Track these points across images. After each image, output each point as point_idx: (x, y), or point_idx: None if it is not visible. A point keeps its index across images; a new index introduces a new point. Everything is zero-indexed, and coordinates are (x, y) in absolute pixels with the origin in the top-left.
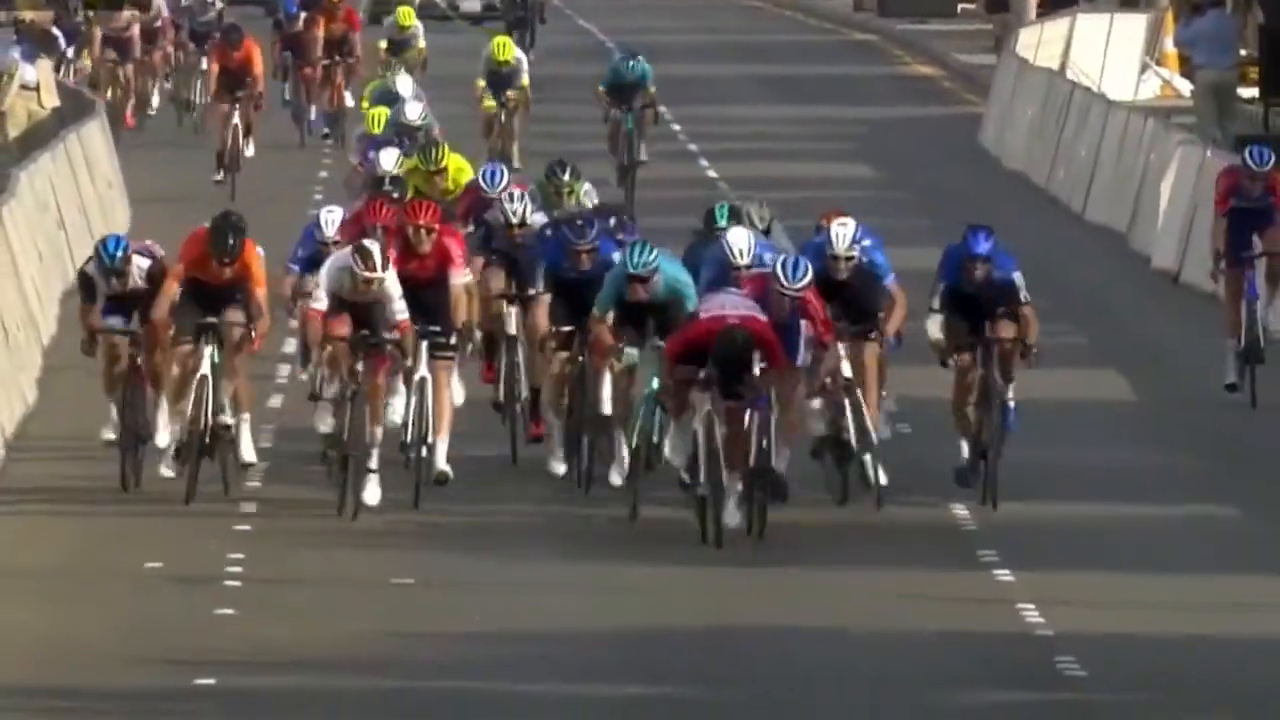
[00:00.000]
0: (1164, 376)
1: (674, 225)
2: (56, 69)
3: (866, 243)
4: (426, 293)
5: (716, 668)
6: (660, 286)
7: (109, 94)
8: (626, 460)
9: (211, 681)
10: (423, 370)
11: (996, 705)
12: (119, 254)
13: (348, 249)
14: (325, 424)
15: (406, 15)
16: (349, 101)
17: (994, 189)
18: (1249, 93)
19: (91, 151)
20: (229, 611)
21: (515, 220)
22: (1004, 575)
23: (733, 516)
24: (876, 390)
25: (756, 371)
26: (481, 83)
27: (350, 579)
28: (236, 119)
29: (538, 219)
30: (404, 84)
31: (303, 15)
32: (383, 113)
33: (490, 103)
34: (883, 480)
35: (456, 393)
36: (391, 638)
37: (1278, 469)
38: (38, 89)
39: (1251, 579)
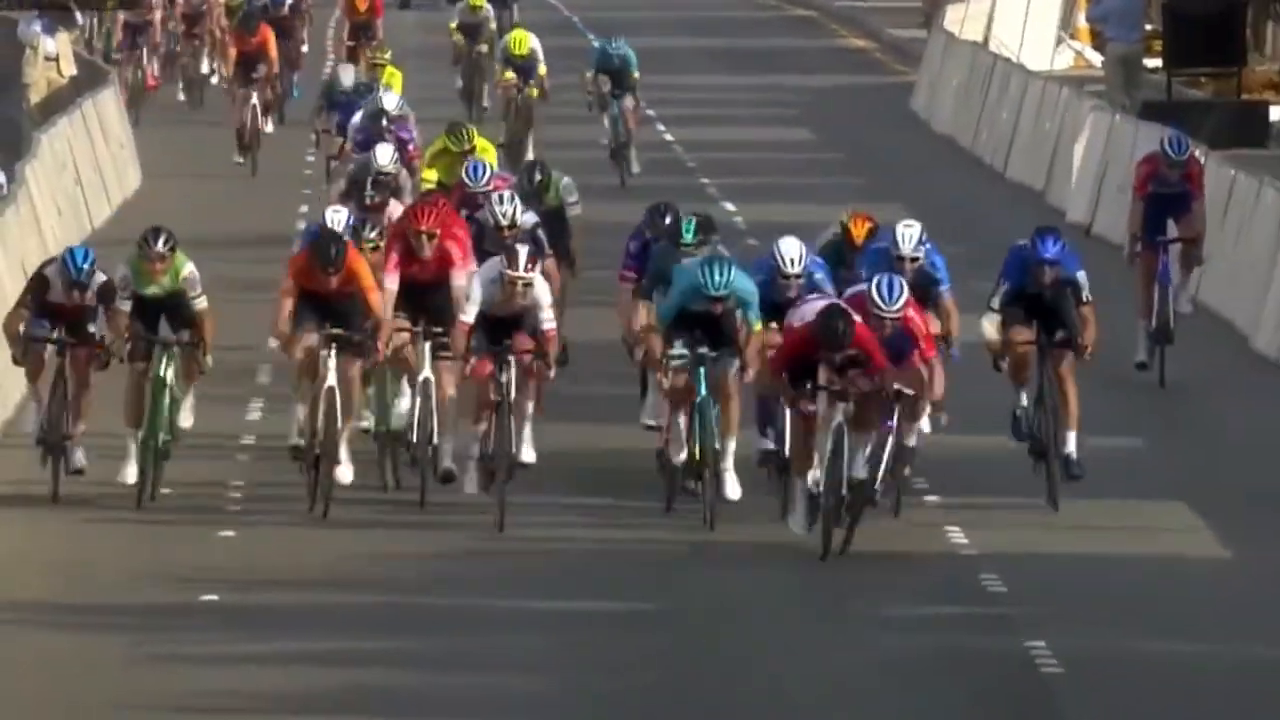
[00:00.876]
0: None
1: (634, 184)
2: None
3: (927, 246)
4: (428, 294)
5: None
6: (732, 300)
7: (130, 74)
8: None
9: (214, 598)
10: (426, 371)
11: (923, 618)
12: (86, 266)
13: (495, 259)
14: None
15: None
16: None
17: (924, 150)
18: (1153, 63)
19: (105, 116)
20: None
21: (505, 222)
22: (933, 500)
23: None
24: (926, 401)
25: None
26: (509, 73)
27: (342, 500)
28: (255, 99)
29: (528, 219)
30: (390, 100)
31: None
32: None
33: (509, 74)
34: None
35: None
36: (382, 559)
37: (1182, 406)
38: (57, 60)
39: (1150, 504)
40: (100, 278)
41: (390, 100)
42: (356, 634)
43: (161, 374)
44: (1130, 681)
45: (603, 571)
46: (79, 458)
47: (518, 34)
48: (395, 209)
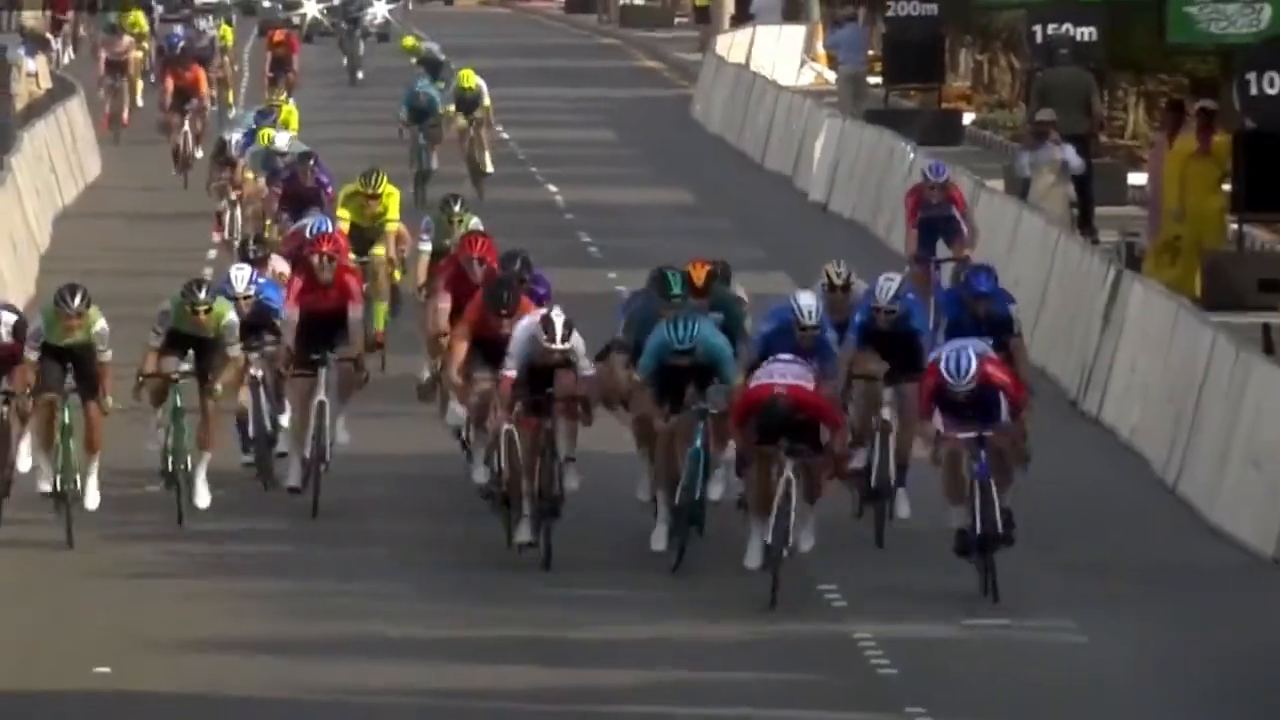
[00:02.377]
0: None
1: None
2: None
3: (908, 298)
4: (330, 321)
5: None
6: (701, 354)
7: (108, 104)
8: (667, 522)
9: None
10: (321, 395)
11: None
12: None
13: (536, 318)
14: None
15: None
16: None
17: (702, 146)
18: (875, 80)
19: (74, 120)
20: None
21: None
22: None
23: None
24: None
25: (823, 435)
26: (451, 108)
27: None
28: (186, 127)
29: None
30: (281, 139)
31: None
32: (268, 133)
33: (462, 122)
34: (903, 514)
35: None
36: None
37: None
38: (36, 76)
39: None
40: (9, 317)
41: (282, 139)
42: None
43: (67, 421)
44: None
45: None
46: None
47: (465, 71)
48: (278, 264)
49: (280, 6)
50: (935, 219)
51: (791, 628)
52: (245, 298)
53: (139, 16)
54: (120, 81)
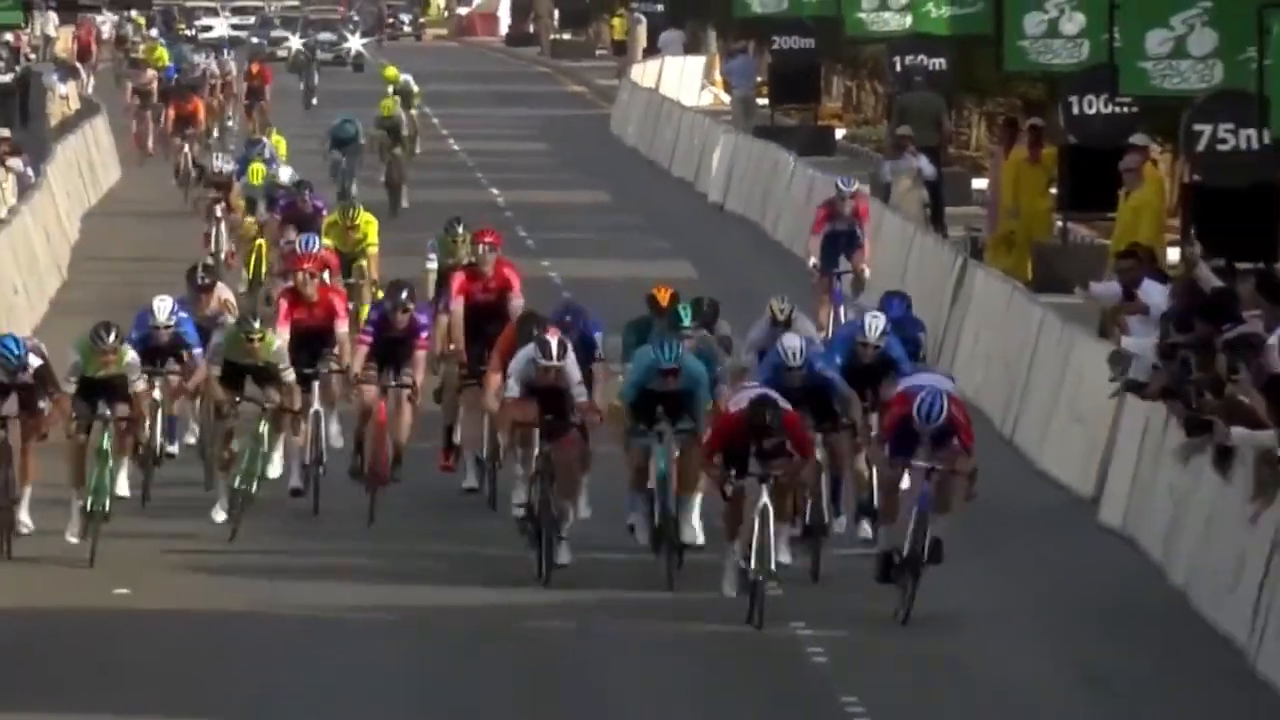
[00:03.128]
0: (719, 269)
1: (437, 197)
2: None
3: (891, 337)
4: (317, 337)
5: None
6: (682, 376)
7: (134, 126)
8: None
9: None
10: (317, 405)
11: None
12: (20, 354)
13: (531, 345)
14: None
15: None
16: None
17: (619, 157)
18: (763, 102)
19: (98, 135)
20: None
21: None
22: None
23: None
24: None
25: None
26: (377, 132)
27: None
28: (186, 149)
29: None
30: (284, 173)
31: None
32: (260, 169)
33: (386, 142)
34: (866, 535)
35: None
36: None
37: None
38: (67, 99)
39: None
40: (35, 361)
41: (284, 173)
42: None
43: (103, 446)
44: None
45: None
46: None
47: (386, 100)
48: (223, 291)
49: (265, 42)
50: (840, 232)
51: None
52: (165, 327)
53: (162, 52)
54: (145, 109)
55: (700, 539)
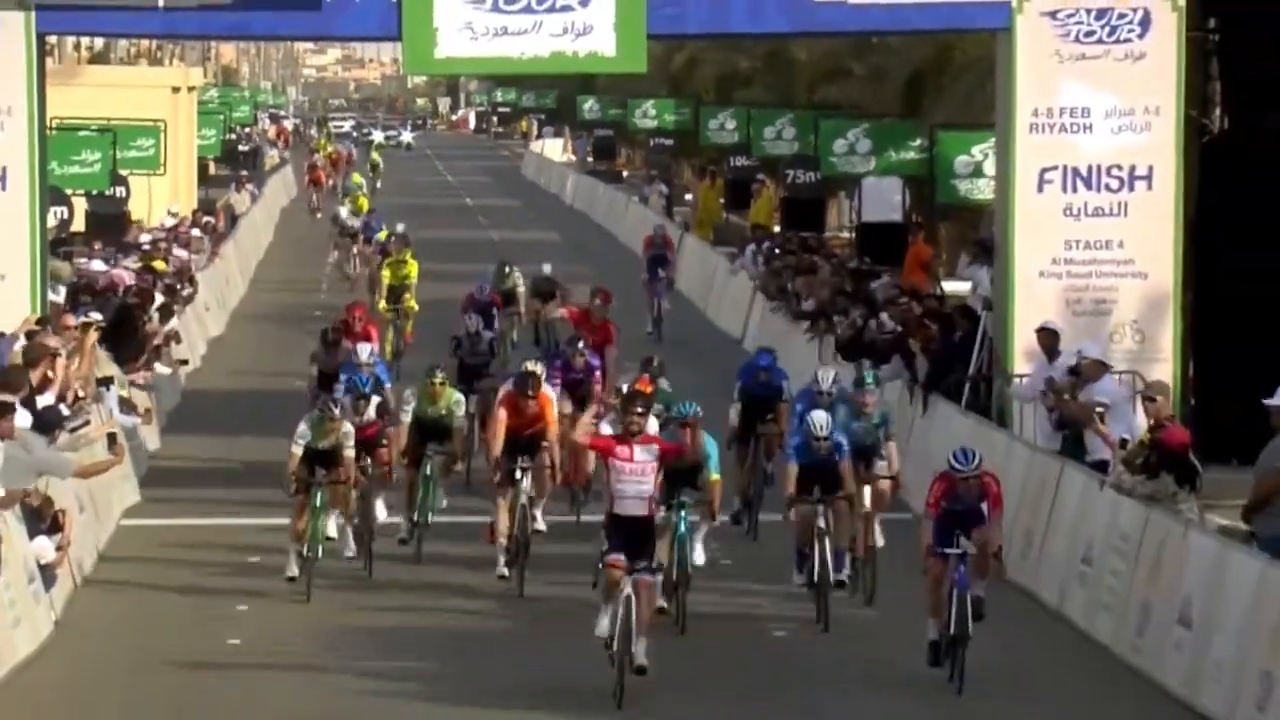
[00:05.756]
0: (569, 237)
1: (435, 203)
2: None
3: (841, 385)
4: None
5: None
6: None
7: (307, 184)
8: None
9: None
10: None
11: None
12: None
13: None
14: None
15: (383, 235)
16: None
17: (524, 185)
18: (591, 161)
19: (288, 178)
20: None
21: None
22: None
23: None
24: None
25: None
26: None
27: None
28: (315, 200)
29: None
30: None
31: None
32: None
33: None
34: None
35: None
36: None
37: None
38: (274, 157)
39: None
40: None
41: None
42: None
43: (319, 504)
44: None
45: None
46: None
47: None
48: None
49: (359, 134)
50: (657, 256)
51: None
52: (368, 365)
53: (323, 143)
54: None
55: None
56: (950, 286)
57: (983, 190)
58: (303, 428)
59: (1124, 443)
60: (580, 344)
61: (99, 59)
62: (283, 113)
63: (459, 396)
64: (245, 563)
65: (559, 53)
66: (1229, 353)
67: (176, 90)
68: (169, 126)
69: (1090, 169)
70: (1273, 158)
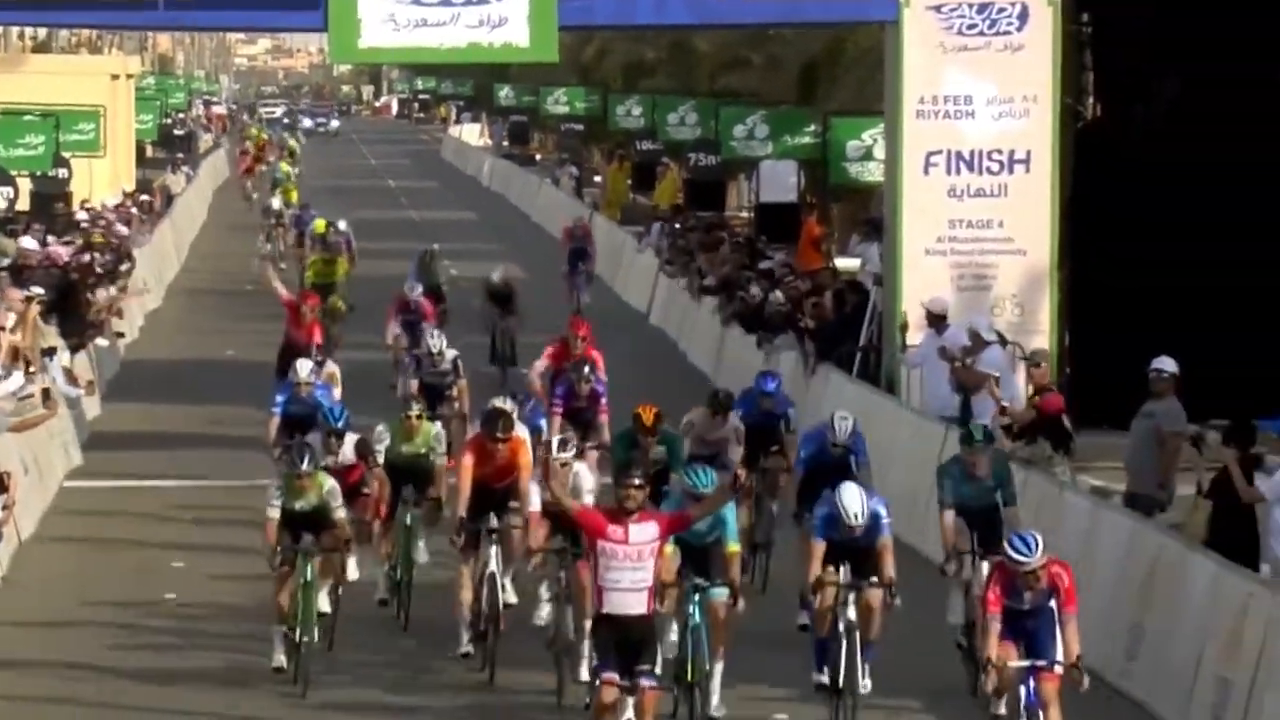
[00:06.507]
0: (485, 214)
1: (358, 185)
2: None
3: (859, 434)
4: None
5: None
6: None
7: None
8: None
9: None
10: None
11: None
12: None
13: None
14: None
15: (320, 226)
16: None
17: (443, 168)
18: (507, 145)
19: (220, 161)
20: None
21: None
22: None
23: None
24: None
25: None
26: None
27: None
28: (251, 186)
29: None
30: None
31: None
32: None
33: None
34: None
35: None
36: None
37: None
38: (209, 142)
39: None
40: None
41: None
42: None
43: (309, 578)
44: None
45: None
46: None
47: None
48: (331, 366)
49: (291, 121)
50: (577, 249)
51: None
52: (307, 384)
53: (256, 131)
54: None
55: (722, 710)
56: (842, 263)
57: (873, 173)
58: (274, 489)
59: (1004, 409)
60: (587, 368)
61: (42, 48)
62: (215, 99)
63: (438, 430)
64: (181, 521)
65: (476, 43)
66: (1102, 324)
67: (116, 78)
68: (108, 112)
69: (973, 153)
70: (1142, 143)
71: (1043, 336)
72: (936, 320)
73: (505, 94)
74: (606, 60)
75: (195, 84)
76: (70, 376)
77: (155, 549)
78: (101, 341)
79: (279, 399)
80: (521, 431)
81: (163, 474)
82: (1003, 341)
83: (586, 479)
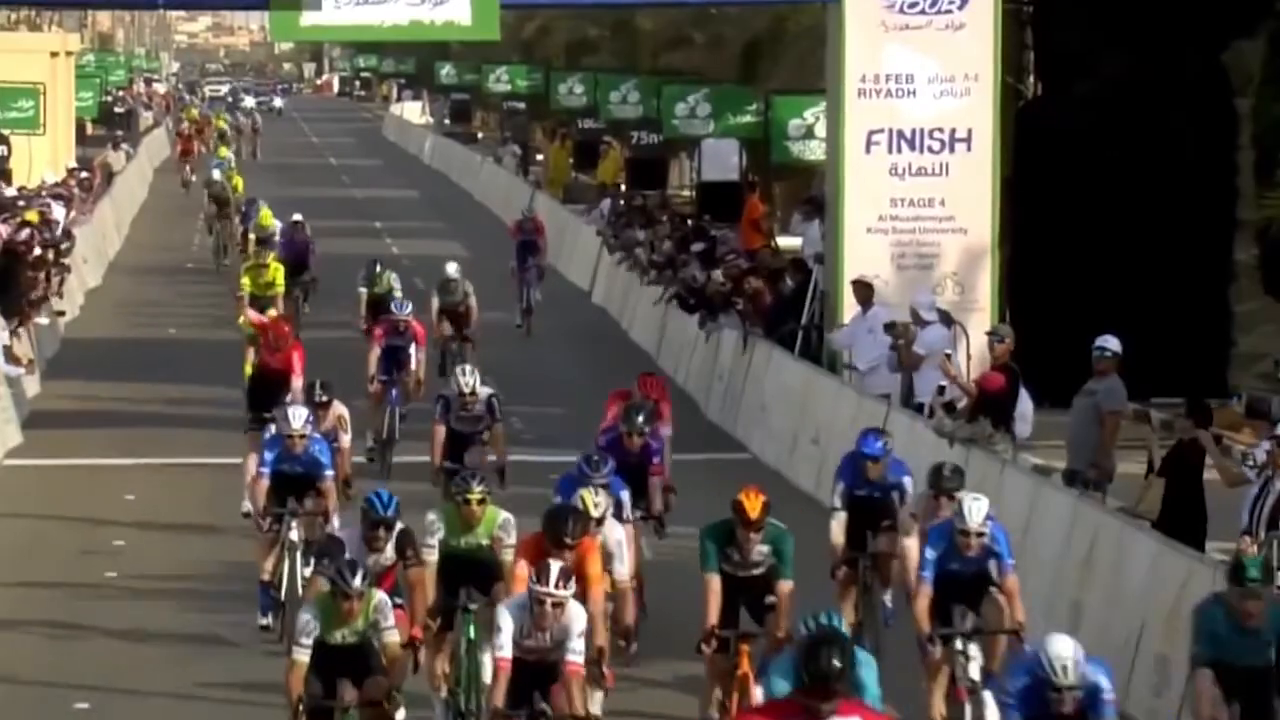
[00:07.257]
0: (425, 191)
1: (300, 161)
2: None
3: (993, 521)
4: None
5: None
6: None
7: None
8: None
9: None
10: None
11: None
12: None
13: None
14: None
15: (266, 217)
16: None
17: (385, 146)
18: (448, 123)
19: (159, 141)
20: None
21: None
22: None
23: None
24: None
25: None
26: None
27: None
28: (188, 170)
29: (484, 390)
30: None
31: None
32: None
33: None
34: None
35: None
36: None
37: None
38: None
39: None
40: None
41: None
42: None
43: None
44: None
45: None
46: None
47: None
48: (339, 408)
49: (233, 100)
50: (527, 242)
51: None
52: (300, 436)
53: (194, 112)
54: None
55: None
56: (784, 241)
57: (814, 151)
58: (305, 617)
59: (942, 389)
60: (640, 417)
61: None
62: (157, 77)
63: (505, 517)
64: (122, 500)
65: (417, 21)
66: (1042, 303)
67: (55, 55)
68: (48, 89)
69: (914, 132)
70: (1082, 122)
71: (983, 314)
72: (864, 300)
73: (447, 72)
74: (548, 38)
75: (136, 61)
76: (10, 355)
77: (96, 527)
78: (41, 320)
79: (267, 456)
80: (603, 533)
81: (103, 451)
82: (947, 321)
83: (583, 615)
